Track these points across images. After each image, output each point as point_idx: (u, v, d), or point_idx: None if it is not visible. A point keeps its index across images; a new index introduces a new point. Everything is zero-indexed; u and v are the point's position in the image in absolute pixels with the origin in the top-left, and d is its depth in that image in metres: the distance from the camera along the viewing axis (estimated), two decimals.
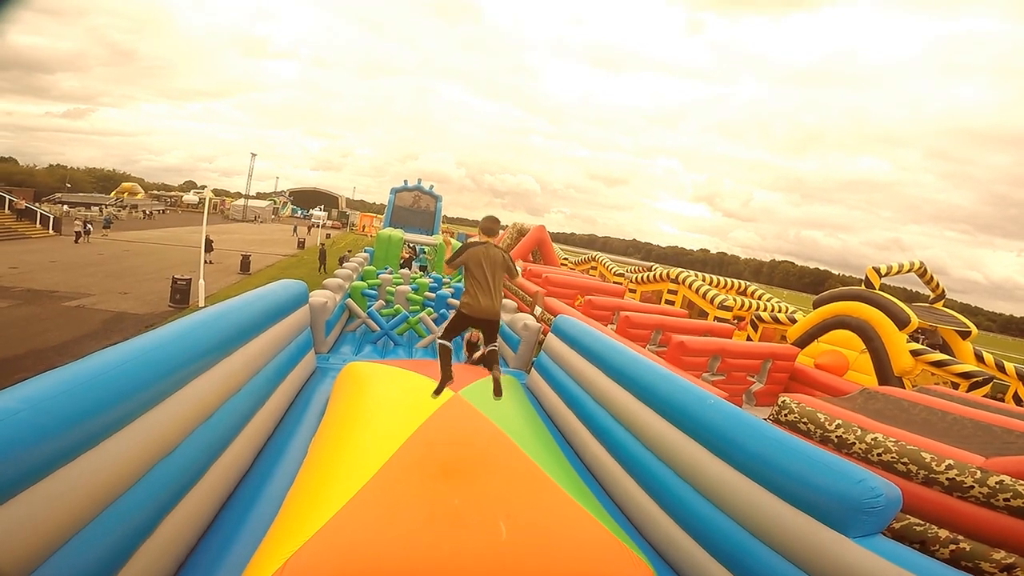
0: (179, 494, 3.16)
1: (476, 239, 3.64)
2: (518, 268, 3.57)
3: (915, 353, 10.63)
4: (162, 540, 2.91)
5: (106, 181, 75.10)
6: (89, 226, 26.84)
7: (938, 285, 14.15)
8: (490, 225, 3.66)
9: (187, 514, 3.21)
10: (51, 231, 27.80)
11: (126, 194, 58.24)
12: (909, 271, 13.65)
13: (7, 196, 28.06)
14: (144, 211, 48.26)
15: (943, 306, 14.13)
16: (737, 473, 3.28)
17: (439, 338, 3.65)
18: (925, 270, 13.80)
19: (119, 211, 44.20)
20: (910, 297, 16.32)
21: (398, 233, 17.58)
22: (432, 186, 24.51)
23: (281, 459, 4.45)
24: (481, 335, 3.70)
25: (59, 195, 49.63)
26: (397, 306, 10.20)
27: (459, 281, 14.39)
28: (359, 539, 2.44)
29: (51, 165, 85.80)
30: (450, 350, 3.54)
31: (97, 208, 41.82)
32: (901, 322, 10.98)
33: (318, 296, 7.86)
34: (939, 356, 10.49)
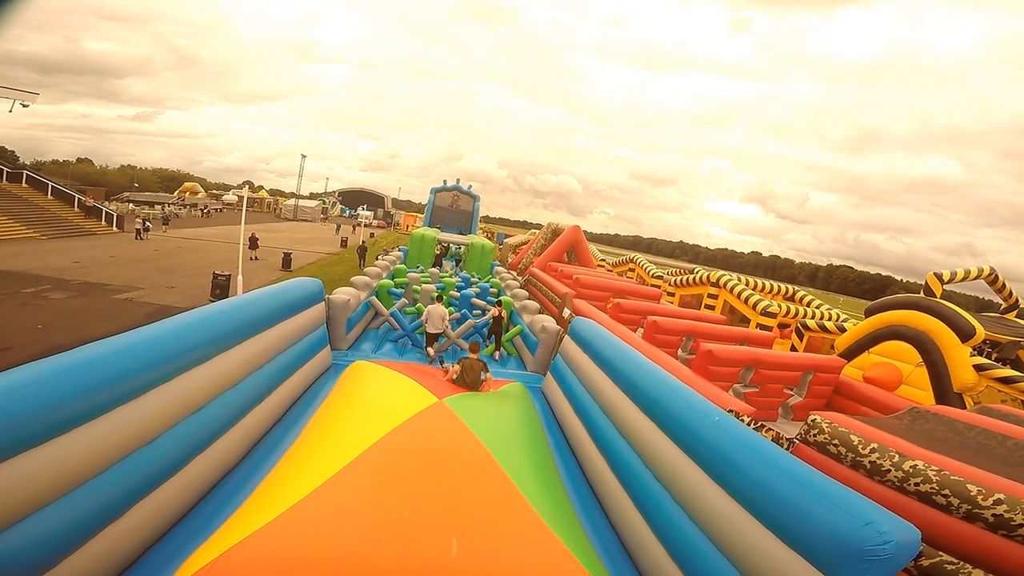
0: (153, 483, 3.18)
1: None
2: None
3: (979, 368, 9.61)
4: (129, 525, 2.96)
5: (170, 181, 79.78)
6: (148, 223, 28.49)
7: (1011, 293, 12.79)
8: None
9: (161, 502, 3.24)
10: (115, 228, 29.62)
11: (187, 193, 61.63)
12: (977, 277, 12.37)
13: (77, 195, 30.17)
14: (202, 209, 50.83)
15: (1016, 316, 12.78)
16: (734, 503, 2.93)
17: None
18: (996, 276, 12.50)
19: (180, 209, 46.77)
20: (984, 307, 14.90)
21: (431, 232, 17.72)
22: (471, 186, 24.59)
23: (273, 453, 4.37)
24: None
25: (127, 194, 53.21)
26: (419, 305, 10.15)
27: (487, 281, 14.27)
28: (296, 542, 2.31)
29: (122, 166, 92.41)
30: None
31: (160, 207, 44.43)
32: (964, 333, 9.94)
33: (340, 294, 7.88)
34: (1007, 372, 9.42)
